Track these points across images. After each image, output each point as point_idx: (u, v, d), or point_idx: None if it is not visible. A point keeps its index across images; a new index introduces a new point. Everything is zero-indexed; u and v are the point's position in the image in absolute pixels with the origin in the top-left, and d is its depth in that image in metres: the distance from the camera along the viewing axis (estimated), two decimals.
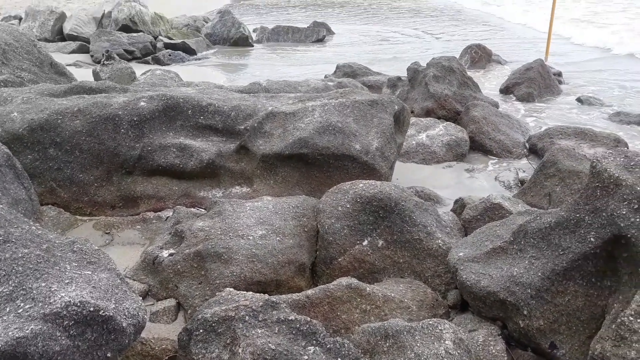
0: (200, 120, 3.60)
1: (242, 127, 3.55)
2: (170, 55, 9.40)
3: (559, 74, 7.76)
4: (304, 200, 2.87)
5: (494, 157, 4.81)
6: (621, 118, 5.85)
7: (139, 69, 7.98)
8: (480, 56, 8.43)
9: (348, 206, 2.67)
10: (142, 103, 3.55)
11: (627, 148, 4.64)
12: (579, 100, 6.61)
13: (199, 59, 9.73)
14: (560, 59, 9.40)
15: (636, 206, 1.99)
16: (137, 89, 4.19)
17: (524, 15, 14.78)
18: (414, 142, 4.82)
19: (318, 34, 11.79)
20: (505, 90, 6.88)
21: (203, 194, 3.46)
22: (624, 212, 1.99)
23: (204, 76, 7.76)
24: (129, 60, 9.04)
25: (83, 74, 7.29)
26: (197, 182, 3.50)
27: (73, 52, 9.75)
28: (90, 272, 1.88)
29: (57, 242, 1.97)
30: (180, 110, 3.59)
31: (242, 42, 11.07)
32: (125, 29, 10.49)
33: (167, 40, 10.38)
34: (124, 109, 3.51)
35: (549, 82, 7.00)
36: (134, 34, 10.00)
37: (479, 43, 8.92)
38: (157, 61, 9.26)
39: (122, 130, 3.46)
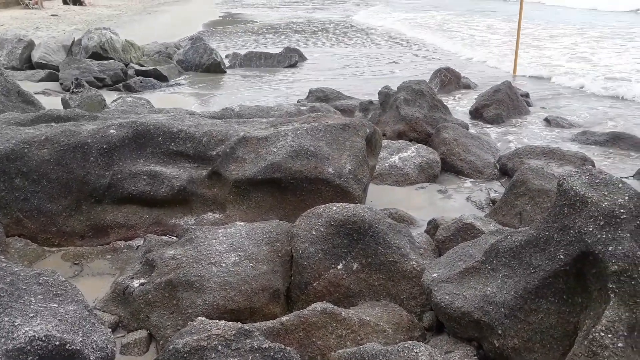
0: (171, 147, 3.57)
1: (214, 153, 3.53)
2: (141, 82, 9.34)
3: (527, 95, 7.97)
4: (278, 225, 2.85)
5: (466, 178, 4.88)
6: (587, 137, 6.02)
7: (109, 96, 7.91)
8: (449, 79, 8.61)
9: (322, 230, 2.66)
10: (112, 130, 3.51)
11: (594, 166, 4.77)
12: (546, 120, 6.78)
13: (171, 86, 9.70)
14: (529, 80, 9.69)
15: (602, 223, 2.03)
16: (106, 117, 4.15)
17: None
18: (386, 164, 4.86)
19: (290, 60, 11.89)
20: (475, 112, 7.03)
21: (174, 221, 3.41)
22: (591, 229, 2.03)
23: (175, 102, 7.73)
24: (99, 87, 8.95)
25: (52, 102, 7.19)
26: (168, 210, 3.45)
27: (42, 80, 9.61)
28: (56, 305, 1.82)
29: (22, 274, 1.91)
30: (151, 137, 3.56)
31: (214, 68, 11.08)
32: (96, 56, 10.41)
33: (138, 67, 10.33)
34: (93, 137, 3.46)
35: (517, 103, 7.18)
36: (105, 62, 9.92)
37: (448, 66, 9.12)
38: (128, 88, 9.19)
39: (92, 159, 3.40)
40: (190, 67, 11.23)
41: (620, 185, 2.16)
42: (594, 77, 9.39)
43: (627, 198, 2.07)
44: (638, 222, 2.04)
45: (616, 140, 5.81)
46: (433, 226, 3.41)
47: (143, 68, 10.27)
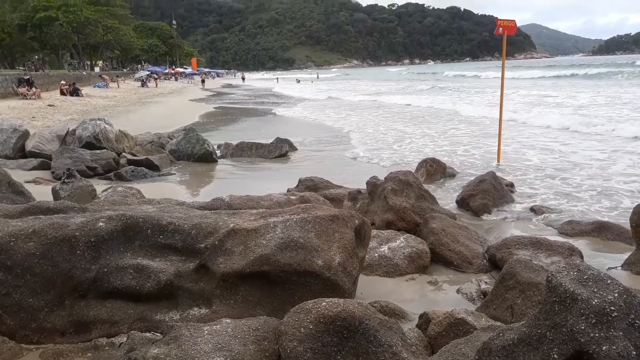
0: (159, 240, 3.55)
1: (203, 246, 3.51)
2: (133, 171, 9.46)
3: (511, 185, 8.14)
4: (265, 322, 2.78)
5: (455, 269, 4.86)
6: (573, 227, 6.08)
7: (100, 185, 7.97)
8: (435, 169, 8.82)
9: (311, 327, 2.60)
10: (101, 223, 3.50)
11: (581, 256, 4.79)
12: (532, 209, 6.89)
13: (163, 175, 9.82)
14: (513, 169, 9.97)
15: (594, 321, 2.01)
16: (96, 208, 4.15)
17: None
18: (376, 254, 4.85)
19: (281, 149, 12.19)
20: (461, 202, 7.13)
21: (160, 317, 3.32)
22: (583, 327, 2.01)
23: (167, 192, 7.79)
24: (91, 176, 9.04)
25: (42, 191, 7.21)
26: (153, 305, 3.37)
27: (34, 168, 9.70)
28: None
29: None
30: (140, 230, 3.55)
31: (206, 157, 11.29)
32: (89, 146, 10.61)
33: (130, 157, 10.51)
34: (82, 230, 3.44)
35: (502, 192, 7.31)
36: (97, 151, 10.10)
37: (434, 157, 9.37)
38: (120, 177, 9.28)
39: (78, 252, 3.36)
40: (182, 157, 11.44)
41: (609, 281, 2.16)
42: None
43: (616, 295, 2.07)
44: (629, 319, 2.03)
45: (602, 230, 5.87)
46: (425, 320, 3.34)
47: (135, 157, 10.44)
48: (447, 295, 4.29)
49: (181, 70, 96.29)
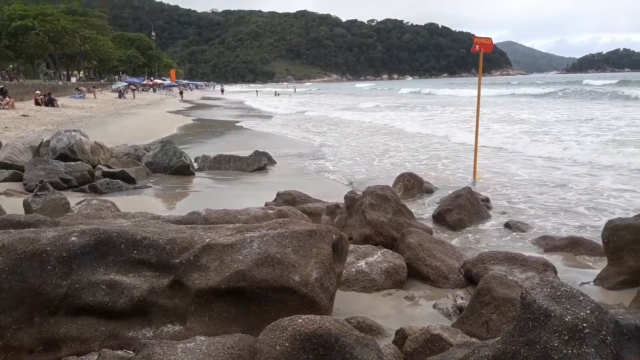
0: (133, 255, 3.49)
1: (178, 261, 3.46)
2: (108, 183, 9.31)
3: (487, 200, 8.24)
4: (240, 339, 2.74)
5: (432, 284, 4.88)
6: (547, 242, 6.18)
7: (74, 198, 7.82)
8: (412, 184, 8.88)
9: (287, 345, 2.57)
10: (73, 238, 3.43)
11: (555, 272, 4.86)
12: (507, 225, 6.97)
13: (139, 188, 9.68)
14: (487, 182, 10.11)
15: (567, 337, 2.04)
16: (69, 222, 4.07)
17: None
18: (353, 269, 4.84)
19: (259, 163, 12.13)
20: (438, 217, 7.19)
21: (132, 334, 3.25)
22: (556, 344, 2.03)
23: (142, 205, 7.67)
24: (64, 189, 8.86)
25: (14, 204, 7.05)
26: (126, 321, 3.29)
27: (5, 180, 9.47)
28: None
29: None
30: (113, 244, 3.48)
31: (183, 170, 11.17)
32: (64, 157, 10.41)
33: (105, 169, 10.34)
34: (53, 244, 3.36)
35: (477, 208, 7.40)
36: (72, 163, 9.92)
37: (411, 172, 9.45)
38: (94, 190, 9.12)
39: (49, 267, 3.28)
40: (159, 170, 11.30)
41: (582, 297, 2.20)
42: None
43: (588, 311, 2.10)
44: (601, 336, 2.06)
45: (575, 245, 5.98)
46: (401, 336, 3.34)
47: (110, 170, 10.28)
48: (424, 311, 4.30)
49: (159, 81, 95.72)
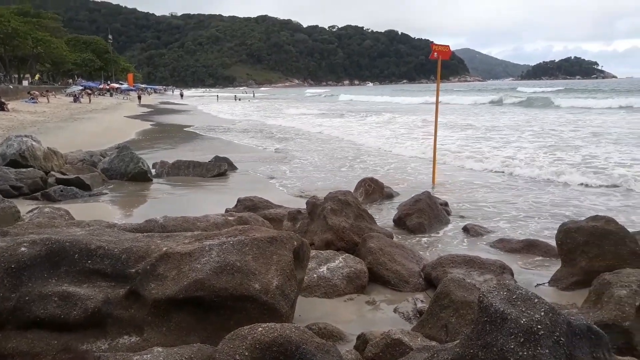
0: (87, 265, 3.37)
1: (134, 271, 3.37)
2: (62, 191, 9.00)
3: (446, 204, 8.38)
4: (199, 350, 2.69)
5: (393, 288, 4.91)
6: (504, 244, 6.34)
7: (26, 206, 7.53)
8: (373, 189, 8.95)
9: (247, 354, 2.53)
10: (23, 248, 3.29)
11: (512, 274, 4.98)
12: (465, 229, 7.11)
13: (94, 195, 9.39)
14: (447, 187, 10.29)
15: (522, 339, 2.08)
16: (18, 232, 3.90)
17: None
18: (315, 275, 4.83)
19: (220, 168, 11.96)
20: (398, 221, 7.26)
21: (86, 346, 3.13)
22: (512, 347, 2.07)
23: (98, 213, 7.45)
24: (15, 196, 8.52)
25: None
26: (80, 334, 3.17)
27: None
28: None
29: None
30: (66, 255, 3.36)
31: (140, 176, 10.91)
32: (14, 164, 10.01)
33: (59, 176, 9.99)
34: (1, 256, 3.22)
35: (437, 212, 7.51)
36: (23, 169, 9.55)
37: (372, 177, 9.52)
38: (47, 197, 8.80)
39: None
40: (116, 176, 11.01)
41: (536, 300, 2.25)
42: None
43: (542, 313, 2.15)
44: (554, 337, 2.11)
45: (530, 247, 6.15)
46: (362, 342, 3.35)
47: (65, 176, 9.95)
48: (385, 315, 4.32)
49: (117, 85, 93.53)
